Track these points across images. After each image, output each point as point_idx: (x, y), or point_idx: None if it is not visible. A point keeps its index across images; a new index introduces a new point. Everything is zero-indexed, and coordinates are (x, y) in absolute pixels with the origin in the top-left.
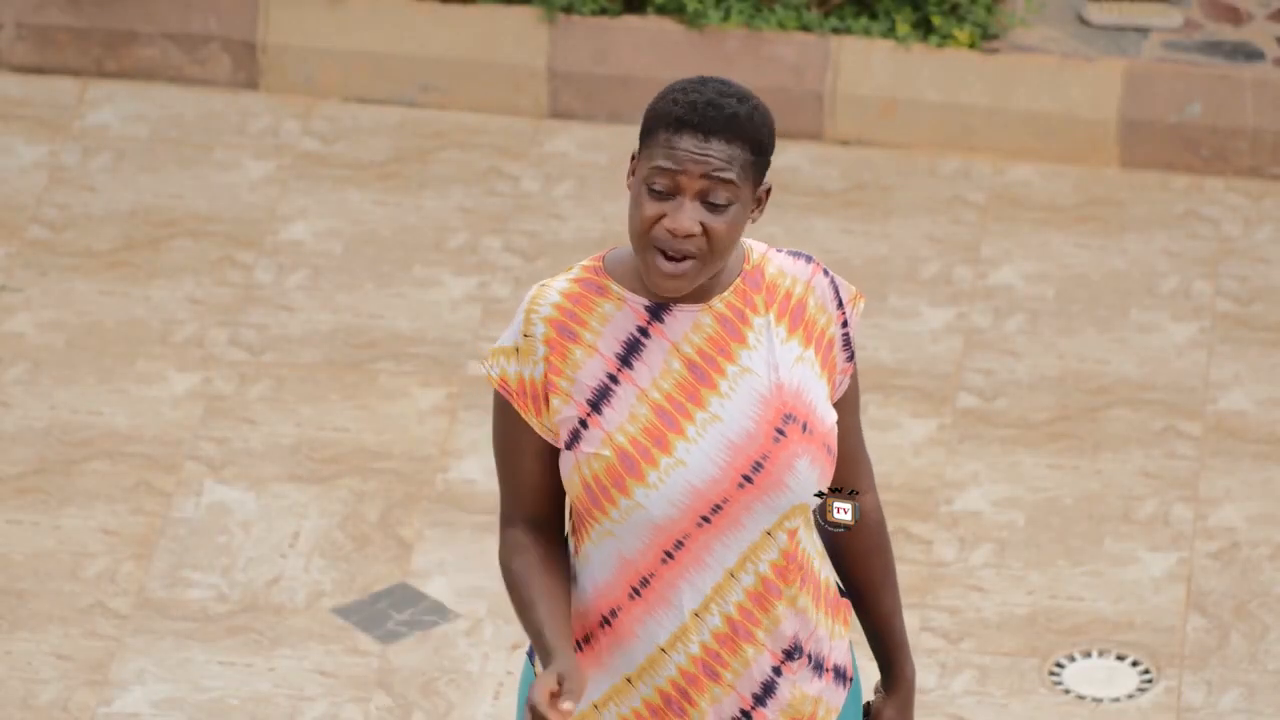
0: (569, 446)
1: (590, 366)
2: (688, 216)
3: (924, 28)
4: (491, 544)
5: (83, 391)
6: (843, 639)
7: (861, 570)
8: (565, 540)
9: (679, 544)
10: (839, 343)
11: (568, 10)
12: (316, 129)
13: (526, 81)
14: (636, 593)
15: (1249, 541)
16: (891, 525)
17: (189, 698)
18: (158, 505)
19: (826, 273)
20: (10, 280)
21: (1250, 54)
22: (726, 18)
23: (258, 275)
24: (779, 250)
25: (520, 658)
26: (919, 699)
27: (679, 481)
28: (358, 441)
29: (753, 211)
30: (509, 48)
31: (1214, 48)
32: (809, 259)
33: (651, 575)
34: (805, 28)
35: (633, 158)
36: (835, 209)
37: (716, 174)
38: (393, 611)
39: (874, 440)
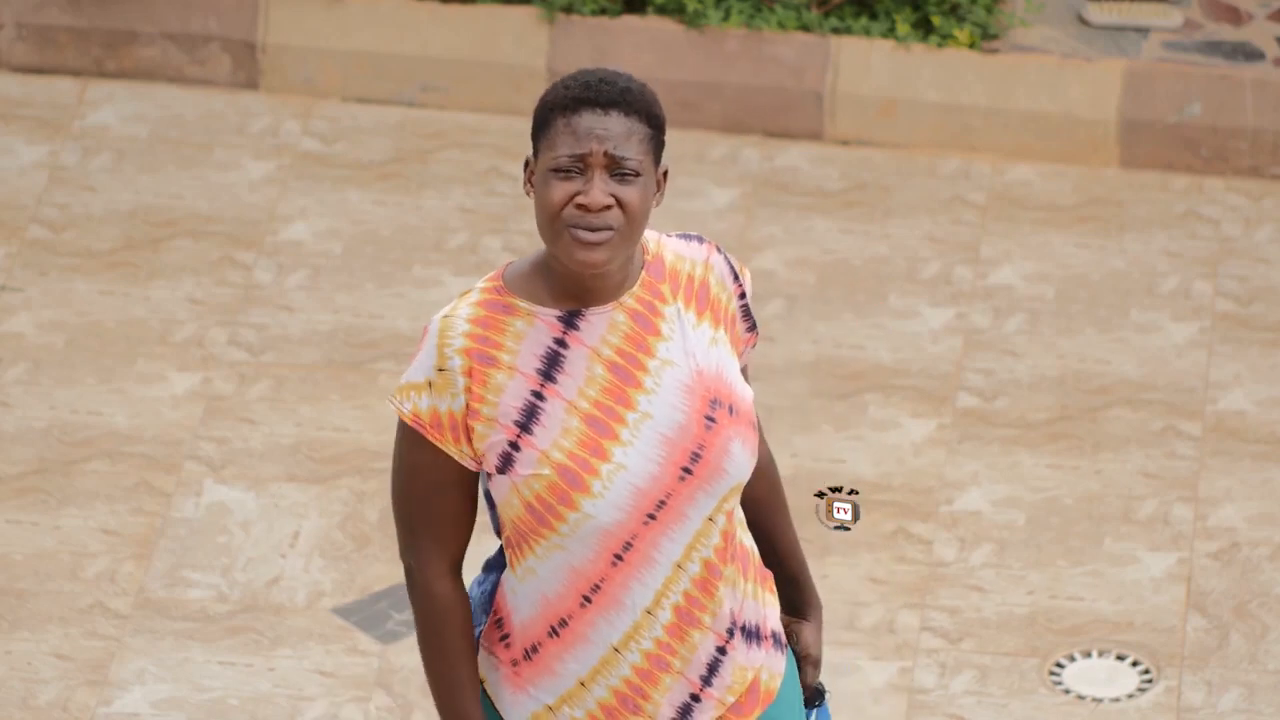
0: (502, 471)
1: (513, 388)
2: (599, 190)
3: (924, 28)
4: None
5: (83, 391)
6: (774, 606)
7: (766, 510)
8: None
9: (628, 545)
10: (739, 315)
11: (568, 10)
12: (316, 129)
13: (526, 81)
14: (588, 600)
15: (1249, 541)
16: (891, 525)
17: (189, 698)
18: (158, 505)
19: (719, 250)
20: (10, 280)
21: (1250, 54)
22: (726, 18)
23: (258, 275)
24: (670, 235)
25: None
26: (918, 699)
27: (622, 485)
28: (358, 441)
29: (655, 194)
30: (509, 48)
31: (1214, 48)
32: (700, 239)
33: (602, 580)
34: (805, 28)
35: (527, 164)
36: (835, 209)
37: (620, 145)
38: (393, 611)
39: (874, 440)
